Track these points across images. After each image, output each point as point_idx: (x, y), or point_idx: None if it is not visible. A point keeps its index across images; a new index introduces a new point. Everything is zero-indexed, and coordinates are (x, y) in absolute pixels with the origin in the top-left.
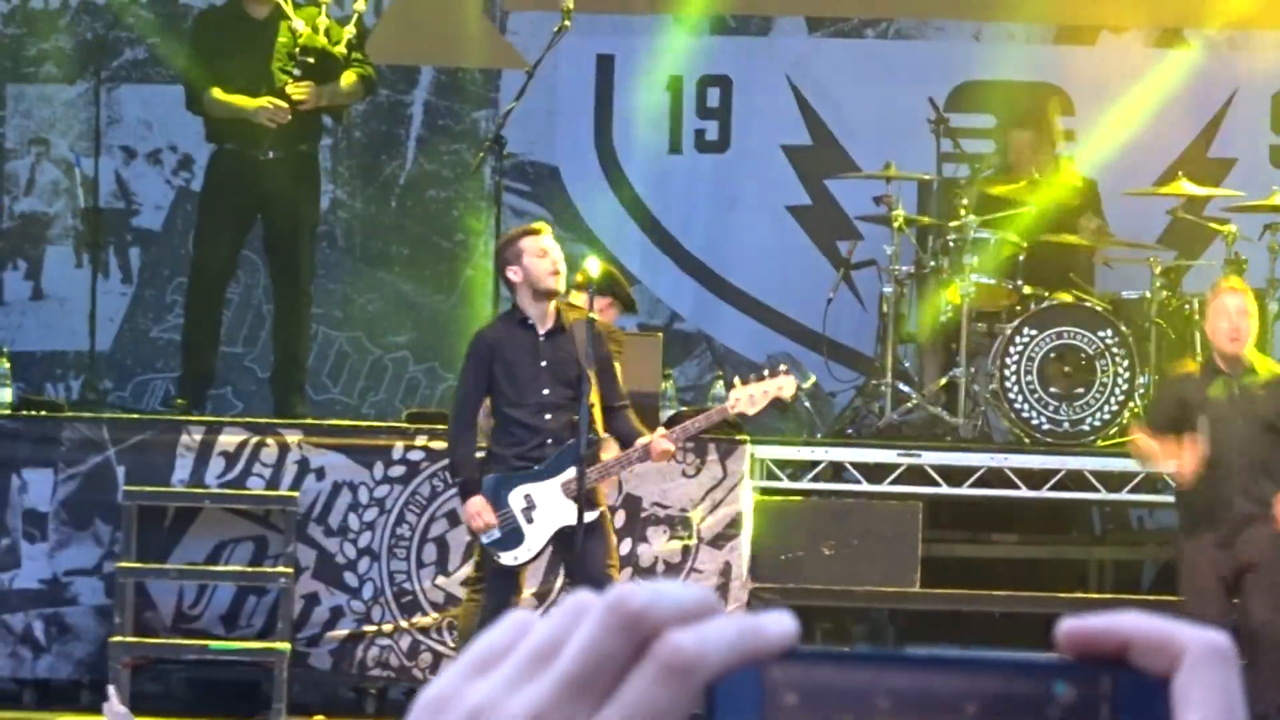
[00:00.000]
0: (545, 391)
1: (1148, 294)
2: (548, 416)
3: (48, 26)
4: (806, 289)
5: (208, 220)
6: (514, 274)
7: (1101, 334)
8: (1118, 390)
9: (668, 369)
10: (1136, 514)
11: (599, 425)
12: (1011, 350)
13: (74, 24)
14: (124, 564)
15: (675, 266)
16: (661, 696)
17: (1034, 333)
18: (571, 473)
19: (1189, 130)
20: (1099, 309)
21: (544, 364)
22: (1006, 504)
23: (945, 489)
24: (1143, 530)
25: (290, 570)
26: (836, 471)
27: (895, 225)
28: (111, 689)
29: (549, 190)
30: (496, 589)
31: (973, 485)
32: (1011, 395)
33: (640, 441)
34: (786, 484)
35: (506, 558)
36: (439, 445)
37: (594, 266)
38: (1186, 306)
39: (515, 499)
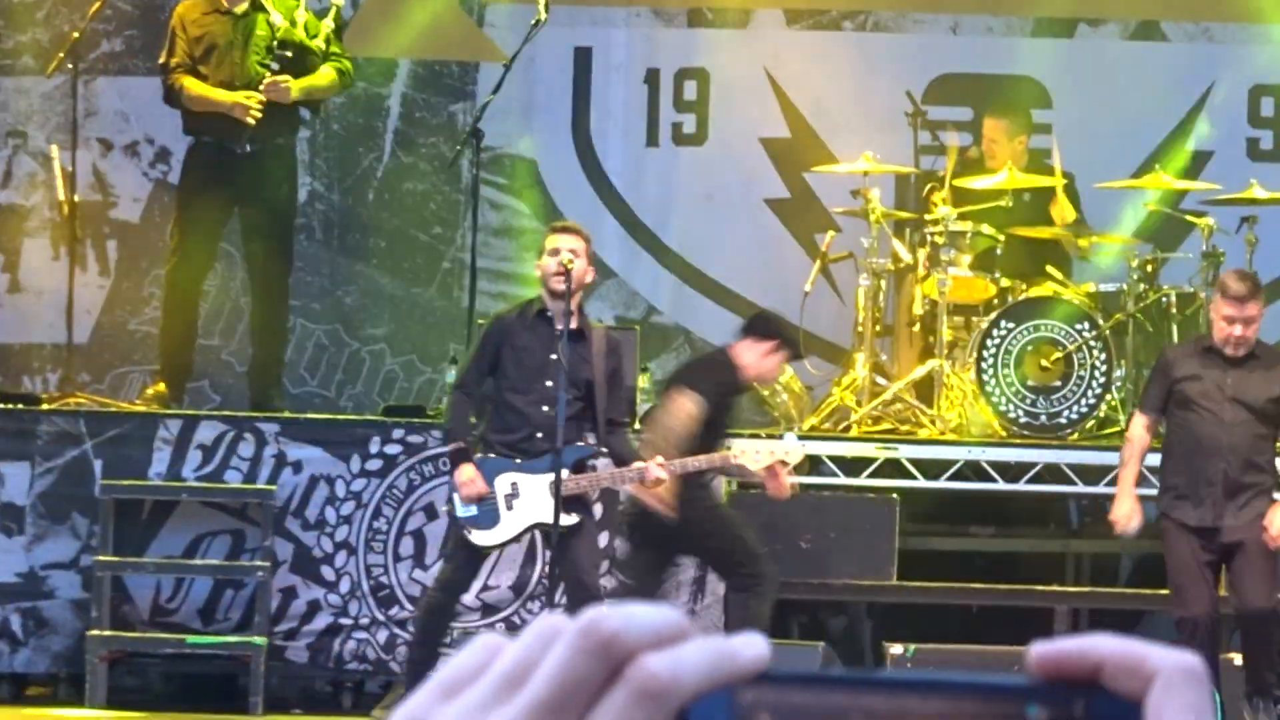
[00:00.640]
0: (550, 384)
1: (1125, 287)
2: (546, 409)
3: (25, 19)
4: (784, 282)
5: (185, 213)
6: (536, 268)
7: (1078, 327)
8: (1095, 383)
9: (645, 362)
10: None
11: (597, 436)
12: (989, 343)
13: (52, 16)
14: (101, 558)
15: (653, 260)
16: None
17: (1011, 325)
18: (563, 473)
19: (1166, 123)
20: (1076, 302)
21: (554, 358)
22: (984, 497)
23: (922, 482)
24: None
25: (267, 564)
26: (813, 464)
27: (873, 218)
28: None
29: (526, 183)
30: (456, 565)
31: (950, 478)
32: (989, 388)
33: (636, 465)
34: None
35: (478, 536)
36: (416, 439)
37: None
38: (1164, 299)
39: (501, 483)
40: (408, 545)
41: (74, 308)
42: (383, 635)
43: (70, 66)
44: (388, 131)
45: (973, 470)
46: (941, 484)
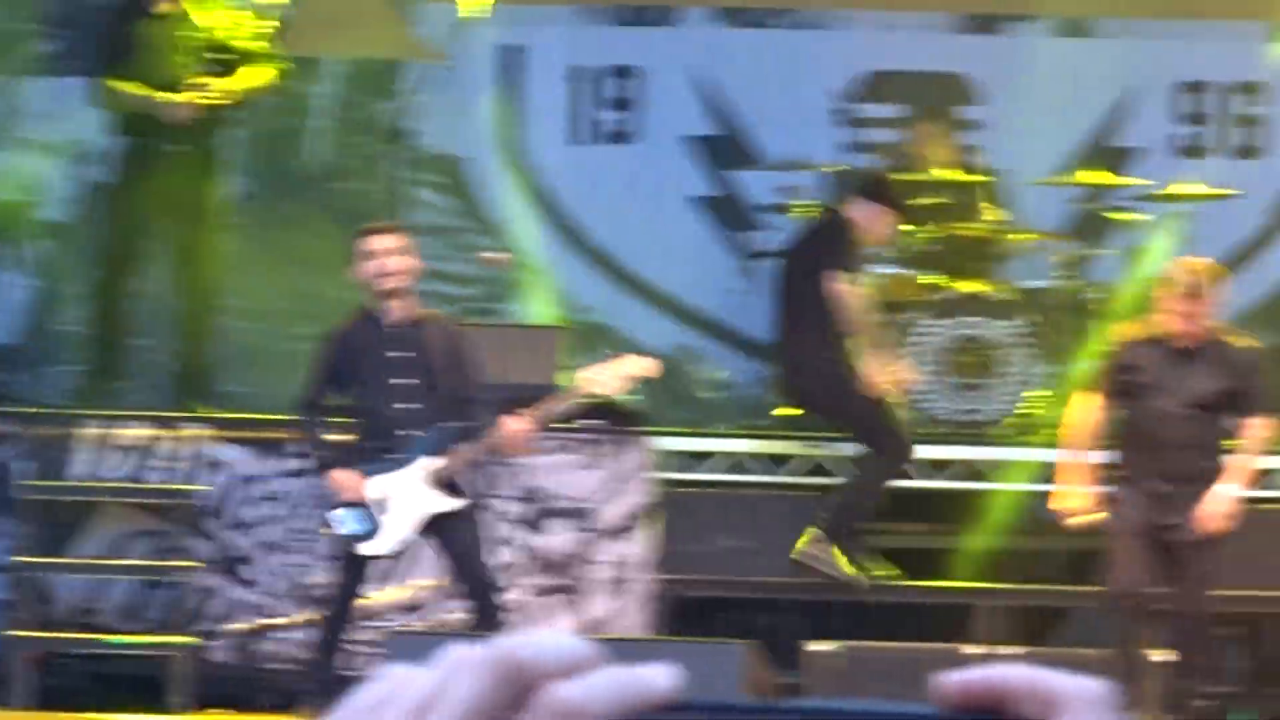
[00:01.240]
0: (395, 382)
1: (1051, 284)
2: (399, 406)
3: None
4: (712, 280)
5: (113, 213)
6: (356, 274)
7: (1004, 324)
8: (1020, 380)
9: (573, 362)
10: (1042, 504)
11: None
12: (916, 340)
13: None
14: (23, 558)
15: (581, 258)
16: None
17: (938, 322)
18: (429, 462)
19: (1092, 120)
20: (1002, 299)
21: (399, 355)
22: (911, 494)
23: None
24: (1048, 520)
25: (190, 564)
26: (736, 463)
27: (800, 216)
28: None
29: (455, 182)
30: (344, 577)
31: None
32: (916, 385)
33: (493, 430)
34: (687, 475)
35: (365, 548)
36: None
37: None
38: (1090, 296)
39: (372, 489)
40: (329, 545)
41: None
42: (304, 635)
43: None
44: (317, 131)
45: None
46: None
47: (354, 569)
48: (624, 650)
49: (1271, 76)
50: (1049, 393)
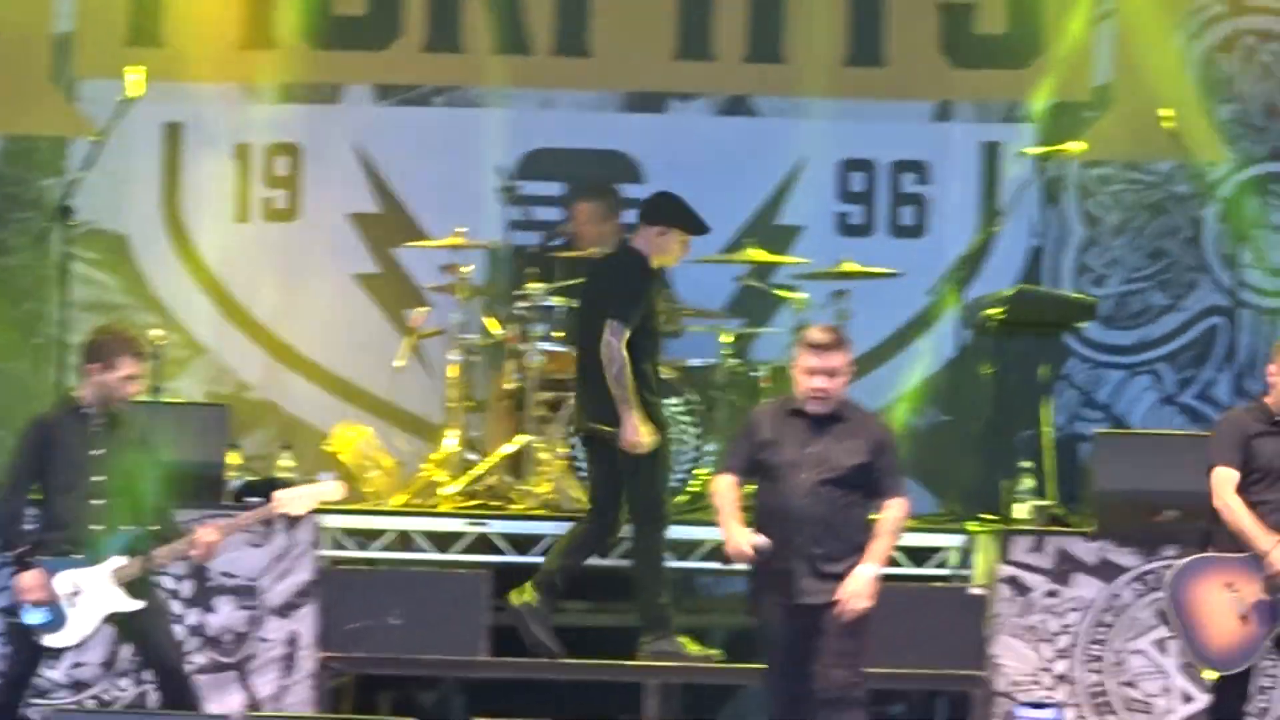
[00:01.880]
0: (96, 479)
1: (716, 362)
2: (96, 503)
3: None
4: (375, 358)
5: None
6: (93, 375)
7: (672, 402)
8: (685, 458)
9: (236, 439)
10: (704, 581)
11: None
12: None
13: None
14: None
15: (243, 336)
16: None
17: None
18: (119, 561)
19: (756, 197)
20: (667, 377)
21: (95, 452)
22: (580, 571)
23: (514, 557)
24: (711, 597)
25: None
26: (405, 540)
27: (463, 294)
28: None
29: (118, 259)
30: (17, 662)
31: (541, 553)
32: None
33: (185, 538)
34: (355, 553)
35: (50, 640)
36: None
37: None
38: (755, 374)
39: (62, 583)
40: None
41: None
42: None
43: None
44: None
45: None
46: (533, 558)
47: (27, 655)
48: None
49: (934, 155)
50: (716, 470)
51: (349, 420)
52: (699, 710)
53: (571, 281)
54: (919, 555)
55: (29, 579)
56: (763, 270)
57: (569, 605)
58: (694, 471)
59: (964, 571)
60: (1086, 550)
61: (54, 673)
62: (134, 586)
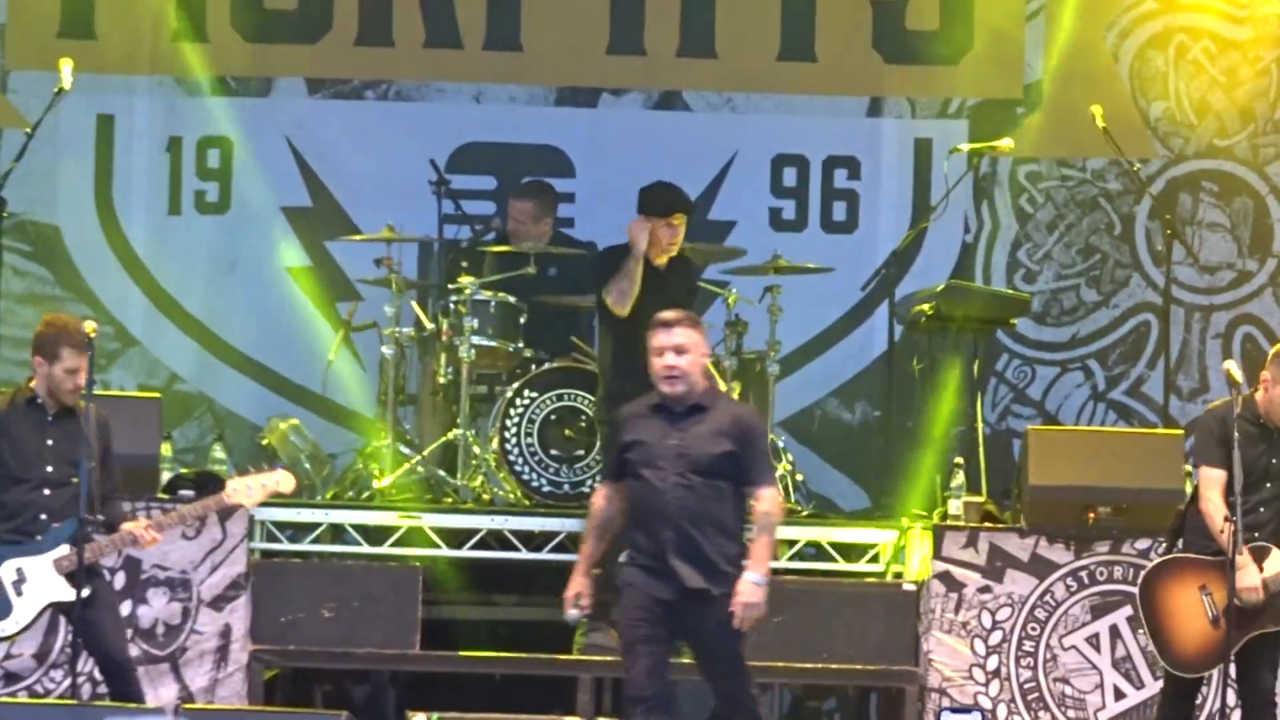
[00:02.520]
0: (49, 469)
1: None
2: (47, 492)
3: None
4: (306, 351)
5: None
6: (41, 368)
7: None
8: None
9: (168, 430)
10: None
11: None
12: (512, 412)
13: None
14: None
15: (175, 328)
16: None
17: (534, 395)
18: (63, 550)
19: (690, 192)
20: (598, 372)
21: (50, 443)
22: (507, 566)
23: (446, 551)
24: None
25: None
26: (337, 534)
27: (395, 287)
28: None
29: (50, 250)
30: None
31: (473, 547)
32: (512, 457)
33: (127, 527)
34: (287, 545)
35: None
36: None
37: None
38: None
39: (6, 571)
40: None
41: None
42: None
43: None
44: None
45: (496, 539)
46: (465, 553)
47: None
48: None
49: (865, 151)
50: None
51: (281, 413)
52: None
53: (503, 275)
54: (851, 551)
55: None
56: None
57: (502, 599)
58: None
59: (896, 568)
60: (1019, 546)
61: None
62: (78, 576)
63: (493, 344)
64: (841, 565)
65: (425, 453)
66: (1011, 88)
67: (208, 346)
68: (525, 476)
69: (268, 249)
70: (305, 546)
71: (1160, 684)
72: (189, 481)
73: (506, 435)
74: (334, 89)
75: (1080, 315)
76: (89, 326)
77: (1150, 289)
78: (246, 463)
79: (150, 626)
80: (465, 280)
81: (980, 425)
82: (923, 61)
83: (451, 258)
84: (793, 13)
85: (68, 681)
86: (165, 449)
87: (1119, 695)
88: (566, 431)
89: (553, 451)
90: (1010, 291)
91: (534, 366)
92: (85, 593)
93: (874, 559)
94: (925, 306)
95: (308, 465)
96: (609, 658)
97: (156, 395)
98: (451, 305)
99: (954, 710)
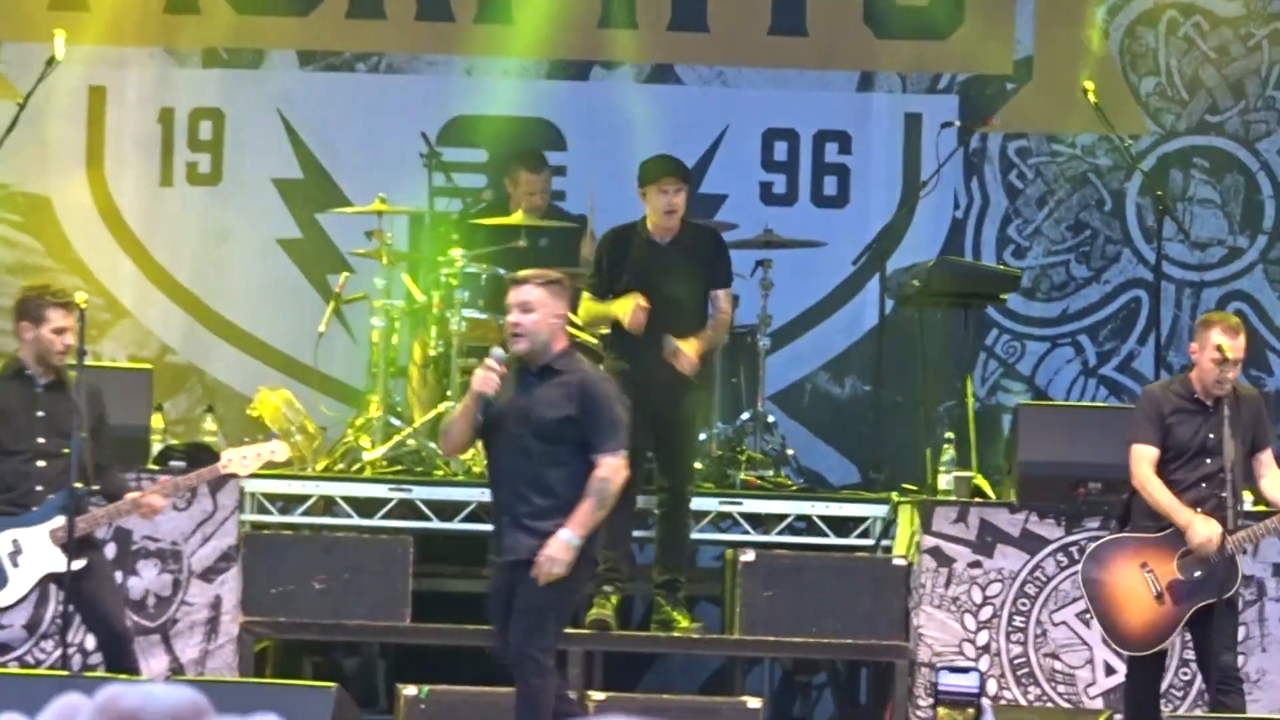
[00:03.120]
0: (41, 440)
1: None
2: (41, 464)
3: None
4: (298, 322)
5: None
6: (27, 333)
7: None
8: None
9: (159, 402)
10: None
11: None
12: None
13: None
14: None
15: (166, 299)
16: None
17: None
18: (59, 520)
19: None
20: (591, 344)
21: (40, 414)
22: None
23: (436, 523)
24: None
25: None
26: (328, 505)
27: (386, 260)
28: None
29: (41, 221)
30: None
31: (464, 520)
32: None
33: (130, 496)
34: (278, 517)
35: None
36: None
37: None
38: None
39: (2, 543)
40: None
41: None
42: None
43: None
44: None
45: (486, 511)
46: (456, 525)
47: None
48: (215, 693)
49: (856, 126)
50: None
51: (271, 385)
52: (620, 680)
53: (495, 248)
54: (841, 525)
55: None
56: None
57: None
58: None
59: (886, 542)
60: (1009, 522)
61: None
62: (75, 547)
63: (484, 316)
64: (832, 540)
65: (416, 425)
66: (1002, 63)
67: (198, 318)
68: None
69: (259, 220)
70: (296, 519)
71: None
72: (180, 453)
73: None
74: (325, 61)
75: (1070, 291)
76: (80, 297)
77: (1141, 265)
78: (240, 435)
79: (141, 598)
80: (456, 252)
81: (970, 400)
82: (913, 36)
83: (442, 230)
84: None
85: (59, 652)
86: (156, 420)
87: (1109, 670)
88: None
89: None
90: (1000, 267)
91: None
92: (79, 564)
93: (864, 534)
94: (916, 281)
95: (298, 437)
96: (597, 631)
97: (148, 366)
98: (442, 278)
99: (952, 670)
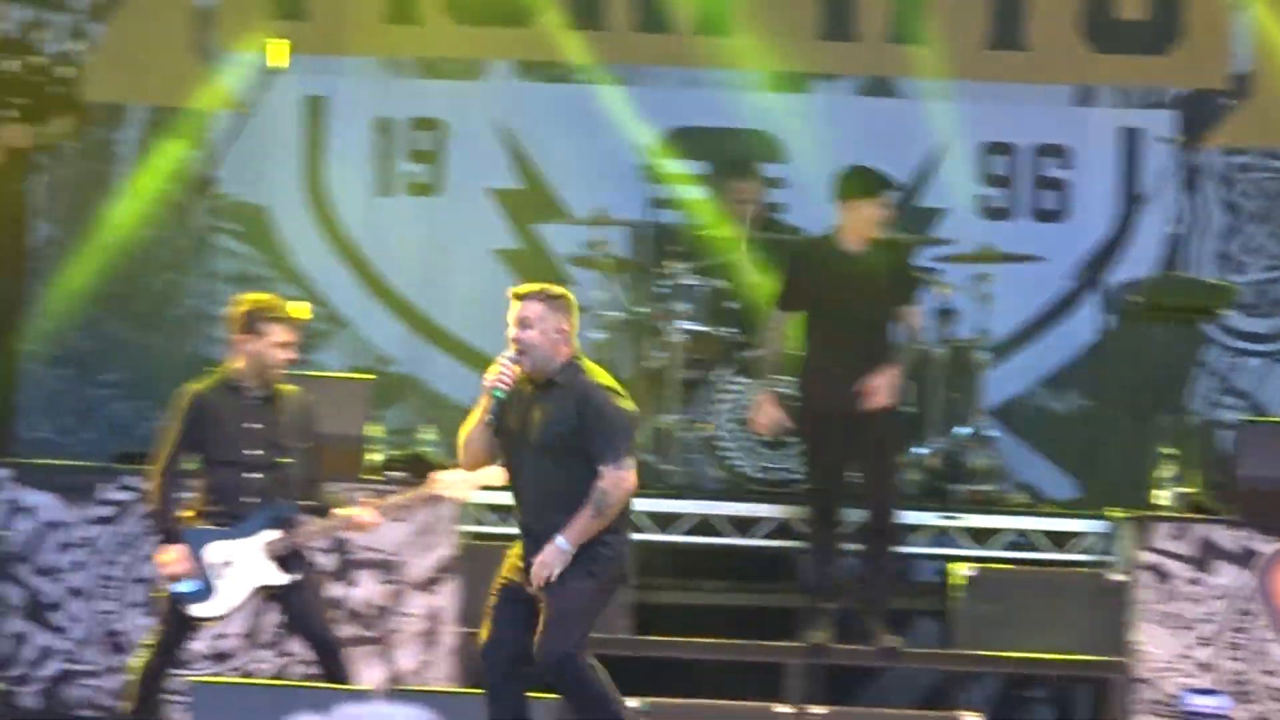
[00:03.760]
0: (252, 452)
1: None
2: (252, 476)
3: None
4: None
5: None
6: (246, 346)
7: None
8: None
9: (378, 413)
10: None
11: (302, 493)
12: (722, 398)
13: None
14: None
15: (385, 310)
16: None
17: (745, 381)
18: (272, 534)
19: (898, 180)
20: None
21: (254, 427)
22: (717, 551)
23: (656, 535)
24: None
25: None
26: None
27: (605, 271)
28: None
29: (259, 231)
30: (168, 629)
31: (684, 532)
32: (722, 443)
33: (343, 513)
34: (496, 529)
35: (196, 610)
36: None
37: None
38: None
39: (213, 553)
40: (139, 592)
41: None
42: (114, 682)
43: None
44: (121, 177)
45: (706, 524)
46: (675, 537)
47: (177, 623)
48: (435, 702)
49: (1074, 140)
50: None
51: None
52: (842, 694)
53: (714, 261)
54: (1060, 540)
55: (169, 553)
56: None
57: (711, 585)
58: None
59: (1105, 558)
60: (1230, 539)
61: (196, 644)
62: (286, 560)
63: (703, 328)
64: (1051, 555)
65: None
66: (1220, 78)
67: (417, 328)
68: (735, 462)
69: (477, 231)
70: (516, 529)
71: None
72: (400, 464)
73: (716, 421)
74: (544, 72)
75: None
76: (303, 309)
77: None
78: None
79: (359, 609)
80: (674, 264)
81: (1190, 416)
82: (1131, 51)
83: (661, 242)
84: (1002, 1)
85: (277, 661)
86: (376, 430)
87: None
88: None
89: (758, 437)
90: (1219, 281)
91: (744, 352)
92: (290, 578)
93: (1084, 549)
94: (1136, 296)
95: None
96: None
97: (370, 376)
98: (662, 289)
99: (1198, 692)
